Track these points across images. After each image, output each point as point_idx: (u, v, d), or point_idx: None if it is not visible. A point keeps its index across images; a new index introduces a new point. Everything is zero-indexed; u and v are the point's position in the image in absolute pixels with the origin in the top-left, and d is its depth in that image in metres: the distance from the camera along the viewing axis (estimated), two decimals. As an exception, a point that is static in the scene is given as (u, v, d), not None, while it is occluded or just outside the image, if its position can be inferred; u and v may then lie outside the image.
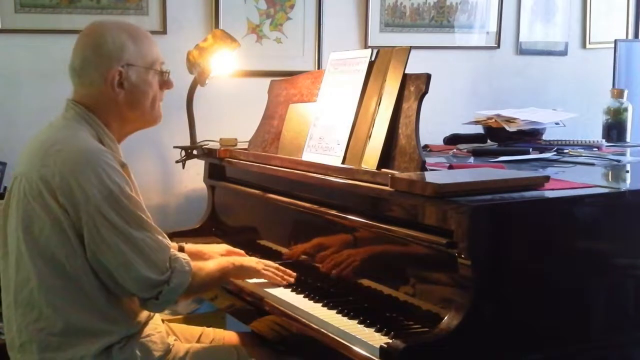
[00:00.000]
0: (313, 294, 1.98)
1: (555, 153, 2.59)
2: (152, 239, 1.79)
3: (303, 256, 2.21)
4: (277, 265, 2.14)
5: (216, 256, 2.21)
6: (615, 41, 3.72)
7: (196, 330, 2.18)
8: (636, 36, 4.22)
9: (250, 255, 2.31)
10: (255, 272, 2.08)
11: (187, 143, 2.78)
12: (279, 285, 2.08)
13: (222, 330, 2.28)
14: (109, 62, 1.86)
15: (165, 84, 1.98)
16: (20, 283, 1.79)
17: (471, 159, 2.54)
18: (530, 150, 2.58)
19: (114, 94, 1.88)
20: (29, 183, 1.77)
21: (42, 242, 1.76)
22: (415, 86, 1.93)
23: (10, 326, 1.84)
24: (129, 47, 1.88)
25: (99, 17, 2.97)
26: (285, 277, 2.09)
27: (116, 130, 1.92)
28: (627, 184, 2.25)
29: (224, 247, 2.31)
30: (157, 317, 2.00)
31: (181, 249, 2.25)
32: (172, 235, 2.59)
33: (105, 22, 1.98)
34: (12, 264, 1.81)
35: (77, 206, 1.73)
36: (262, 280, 2.10)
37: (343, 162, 2.04)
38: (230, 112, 3.14)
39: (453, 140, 2.93)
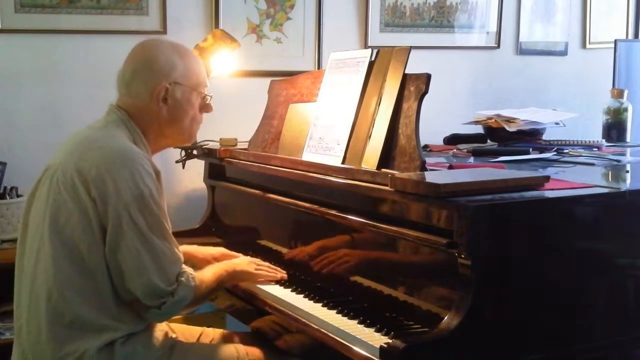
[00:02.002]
0: (313, 294, 1.98)
1: (555, 153, 2.59)
2: (169, 250, 1.83)
3: (303, 256, 2.21)
4: (268, 264, 2.18)
5: (209, 259, 2.24)
6: (615, 41, 3.73)
7: (196, 330, 2.19)
8: (636, 36, 4.22)
9: (251, 256, 2.31)
10: (248, 275, 2.11)
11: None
12: (273, 284, 2.10)
13: (222, 330, 2.28)
14: (158, 78, 1.95)
15: (205, 107, 2.09)
16: (39, 271, 1.82)
17: (471, 159, 2.54)
18: (530, 150, 2.58)
19: (157, 108, 1.96)
20: (64, 174, 1.82)
21: (66, 232, 1.79)
22: (415, 86, 1.93)
23: (20, 313, 1.87)
24: (179, 67, 1.98)
25: (99, 17, 2.99)
26: (278, 274, 2.13)
27: (152, 142, 2.00)
28: (627, 184, 2.25)
29: (219, 250, 2.32)
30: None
31: None
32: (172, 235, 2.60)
33: (162, 40, 2.12)
34: (32, 251, 1.84)
35: (107, 201, 1.77)
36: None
37: (343, 162, 2.04)
38: (230, 112, 3.13)
39: (453, 140, 2.93)
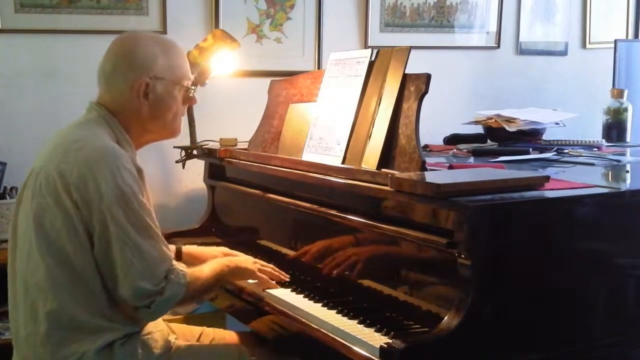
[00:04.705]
0: (313, 294, 1.98)
1: (555, 153, 2.59)
2: (155, 249, 1.80)
3: (303, 256, 2.20)
4: (272, 266, 2.15)
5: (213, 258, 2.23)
6: (615, 41, 3.73)
7: (196, 330, 2.19)
8: (636, 36, 4.22)
9: (250, 255, 2.31)
10: (250, 273, 2.08)
11: (187, 143, 2.78)
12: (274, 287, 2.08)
13: (222, 330, 2.28)
14: (138, 72, 1.91)
15: (189, 99, 2.04)
16: (30, 274, 1.81)
17: (471, 159, 2.54)
18: (530, 150, 2.58)
19: (138, 104, 1.92)
20: (46, 177, 1.80)
21: (52, 235, 1.78)
22: (415, 86, 1.93)
23: (15, 317, 1.86)
24: (160, 60, 1.94)
25: (99, 17, 2.99)
26: (282, 277, 2.10)
27: (135, 137, 1.97)
28: (627, 184, 2.25)
29: (222, 249, 2.31)
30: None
31: (179, 251, 2.27)
32: (172, 235, 2.60)
33: (141, 33, 2.06)
34: (23, 256, 1.83)
35: (90, 204, 1.76)
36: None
37: (343, 162, 2.04)
38: (230, 112, 3.14)
39: (453, 140, 2.92)
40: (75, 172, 1.77)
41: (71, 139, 1.85)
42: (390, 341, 1.56)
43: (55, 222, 1.78)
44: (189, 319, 2.70)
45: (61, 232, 1.77)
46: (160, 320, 1.97)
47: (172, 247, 2.27)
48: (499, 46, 3.79)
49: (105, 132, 1.88)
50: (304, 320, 1.86)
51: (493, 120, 2.85)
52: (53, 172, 1.79)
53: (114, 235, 1.75)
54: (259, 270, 2.09)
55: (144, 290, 1.77)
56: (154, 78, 1.92)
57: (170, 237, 2.55)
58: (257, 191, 2.43)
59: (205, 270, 1.96)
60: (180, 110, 2.01)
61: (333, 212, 2.03)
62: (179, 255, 2.28)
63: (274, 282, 2.08)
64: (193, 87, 2.04)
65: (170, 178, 3.13)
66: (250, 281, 2.12)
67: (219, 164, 2.69)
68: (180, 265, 1.86)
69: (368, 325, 1.73)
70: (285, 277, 2.11)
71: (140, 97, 1.91)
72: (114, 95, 1.93)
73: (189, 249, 2.32)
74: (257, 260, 2.16)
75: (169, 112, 1.97)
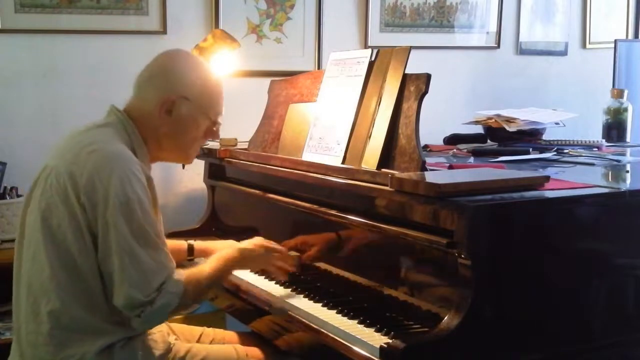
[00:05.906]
0: (313, 294, 1.98)
1: (555, 153, 2.59)
2: (153, 259, 1.78)
3: (303, 256, 2.20)
4: (281, 247, 2.12)
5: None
6: (615, 41, 3.73)
7: (196, 330, 2.19)
8: (636, 36, 4.22)
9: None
10: (262, 260, 2.08)
11: (187, 143, 2.77)
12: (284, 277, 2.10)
13: (222, 330, 2.28)
14: (169, 88, 1.91)
15: (211, 133, 2.02)
16: (35, 273, 1.81)
17: (471, 159, 2.54)
18: (530, 150, 2.58)
19: (159, 119, 1.92)
20: (57, 177, 1.80)
21: (58, 235, 1.78)
22: (415, 86, 1.93)
23: (18, 315, 1.86)
24: (196, 85, 1.94)
25: (99, 17, 2.99)
26: (288, 268, 2.10)
27: (151, 149, 1.96)
28: (627, 184, 2.25)
29: (231, 242, 2.31)
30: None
31: (190, 248, 2.29)
32: (172, 235, 2.59)
33: (193, 56, 2.09)
34: (28, 253, 1.83)
35: (96, 208, 1.75)
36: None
37: (343, 162, 2.04)
38: (230, 112, 3.11)
39: (453, 140, 2.92)
40: (85, 175, 1.76)
41: (85, 142, 1.84)
42: (390, 341, 1.56)
43: (62, 222, 1.78)
44: (189, 319, 2.70)
45: (67, 233, 1.77)
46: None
47: (184, 244, 2.29)
48: (499, 46, 3.80)
49: (120, 138, 1.88)
50: (304, 320, 1.86)
51: (493, 120, 2.86)
52: (64, 172, 1.79)
53: (114, 241, 1.75)
54: (268, 250, 2.08)
55: (134, 299, 1.75)
56: (183, 98, 1.92)
57: (170, 237, 2.55)
58: (257, 191, 2.43)
59: (206, 269, 1.93)
60: (199, 139, 2.00)
61: (333, 212, 2.03)
62: (190, 252, 2.30)
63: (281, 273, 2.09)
64: (220, 123, 2.02)
65: (170, 178, 3.13)
66: (251, 280, 2.12)
67: (219, 164, 2.69)
68: (178, 274, 1.82)
69: (368, 325, 1.73)
70: (291, 268, 2.11)
71: (162, 113, 1.91)
72: (140, 103, 1.94)
73: (200, 245, 2.32)
74: (260, 242, 2.10)
75: (186, 136, 1.96)
